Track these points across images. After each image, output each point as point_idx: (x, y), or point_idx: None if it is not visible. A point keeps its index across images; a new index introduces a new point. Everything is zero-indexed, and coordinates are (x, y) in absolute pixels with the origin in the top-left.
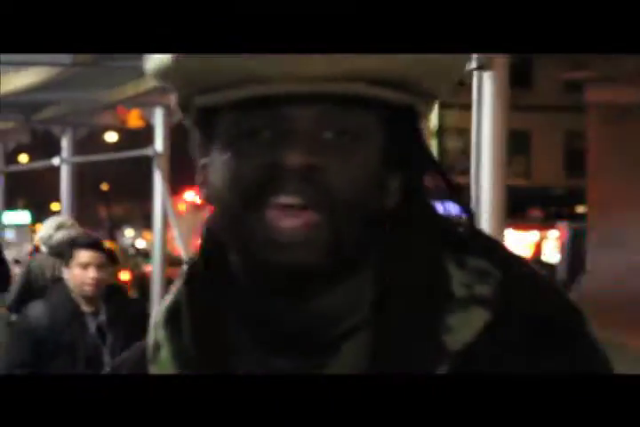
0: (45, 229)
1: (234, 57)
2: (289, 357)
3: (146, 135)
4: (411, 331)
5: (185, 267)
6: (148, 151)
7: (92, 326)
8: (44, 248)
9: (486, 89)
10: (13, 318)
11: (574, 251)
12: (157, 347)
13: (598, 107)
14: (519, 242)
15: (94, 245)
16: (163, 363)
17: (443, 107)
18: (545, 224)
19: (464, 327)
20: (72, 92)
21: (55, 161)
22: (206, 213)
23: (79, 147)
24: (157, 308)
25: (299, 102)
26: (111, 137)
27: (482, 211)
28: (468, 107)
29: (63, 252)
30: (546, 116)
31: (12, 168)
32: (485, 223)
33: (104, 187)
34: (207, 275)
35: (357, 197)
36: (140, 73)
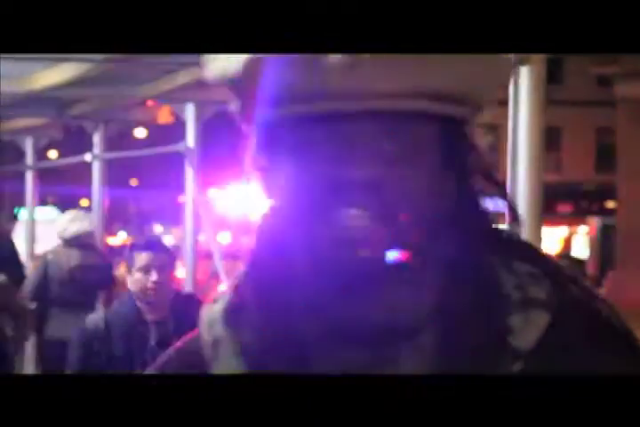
0: (60, 222)
1: (303, 72)
2: (360, 349)
3: (173, 131)
4: (474, 331)
5: (243, 265)
6: (179, 147)
7: (153, 337)
8: (59, 241)
9: (523, 84)
10: (33, 306)
11: (604, 246)
12: (217, 344)
13: (628, 102)
14: (548, 237)
15: (153, 246)
16: (225, 359)
17: None
18: (574, 219)
19: (528, 328)
20: (104, 87)
21: (87, 157)
22: (263, 213)
23: (109, 143)
24: (210, 306)
25: (363, 117)
26: (140, 133)
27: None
28: (498, 103)
29: (80, 244)
30: (577, 111)
31: (45, 164)
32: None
33: (133, 182)
34: (272, 272)
35: (418, 203)
36: (171, 68)
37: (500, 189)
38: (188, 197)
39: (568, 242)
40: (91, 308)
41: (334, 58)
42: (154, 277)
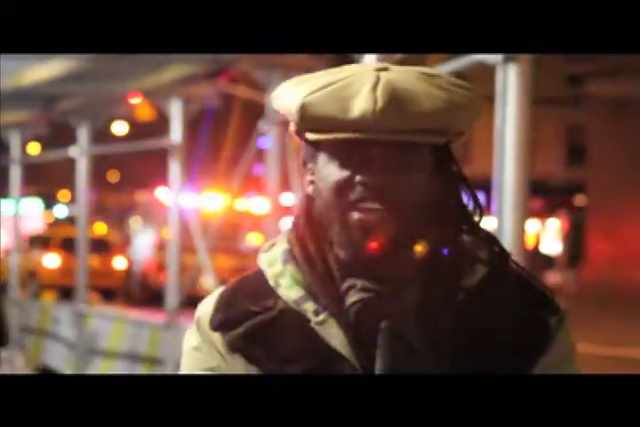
0: None
1: (349, 111)
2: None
3: (154, 126)
4: (442, 275)
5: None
6: (164, 142)
7: None
8: None
9: (511, 82)
10: None
11: (574, 240)
12: (278, 276)
13: (600, 100)
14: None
15: None
16: (287, 286)
17: None
18: (544, 214)
19: (472, 273)
20: (91, 83)
21: (73, 152)
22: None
23: (93, 137)
24: (266, 253)
25: (381, 143)
26: (122, 128)
27: (505, 203)
28: None
29: None
30: (547, 108)
31: (31, 158)
32: (509, 216)
33: (112, 175)
34: (309, 237)
35: (416, 198)
36: (156, 65)
37: (472, 191)
38: (173, 191)
39: (537, 237)
40: None
41: (369, 107)
42: None
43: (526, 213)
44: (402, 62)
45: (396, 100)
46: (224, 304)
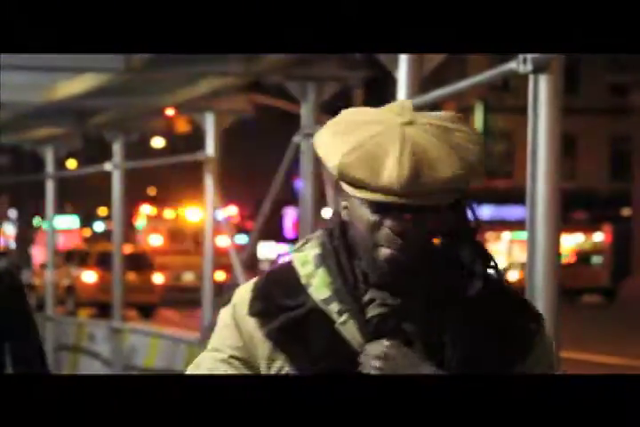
0: None
1: (379, 177)
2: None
3: (189, 140)
4: (444, 289)
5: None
6: (199, 156)
7: None
8: None
9: (542, 92)
10: None
11: (619, 253)
12: (309, 277)
13: None
14: (563, 245)
15: None
16: (317, 287)
17: (488, 110)
18: (589, 227)
19: (470, 287)
20: (124, 98)
21: (107, 166)
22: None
23: (128, 152)
24: (297, 254)
25: (406, 203)
26: (159, 142)
27: (538, 214)
28: (513, 110)
29: None
30: (591, 119)
31: (65, 173)
32: (541, 226)
33: (151, 191)
34: (343, 251)
35: (428, 243)
36: (190, 79)
37: (476, 215)
38: (208, 204)
39: (583, 249)
40: None
41: (395, 175)
42: None
43: (559, 223)
44: (441, 67)
45: (418, 170)
46: (261, 294)
